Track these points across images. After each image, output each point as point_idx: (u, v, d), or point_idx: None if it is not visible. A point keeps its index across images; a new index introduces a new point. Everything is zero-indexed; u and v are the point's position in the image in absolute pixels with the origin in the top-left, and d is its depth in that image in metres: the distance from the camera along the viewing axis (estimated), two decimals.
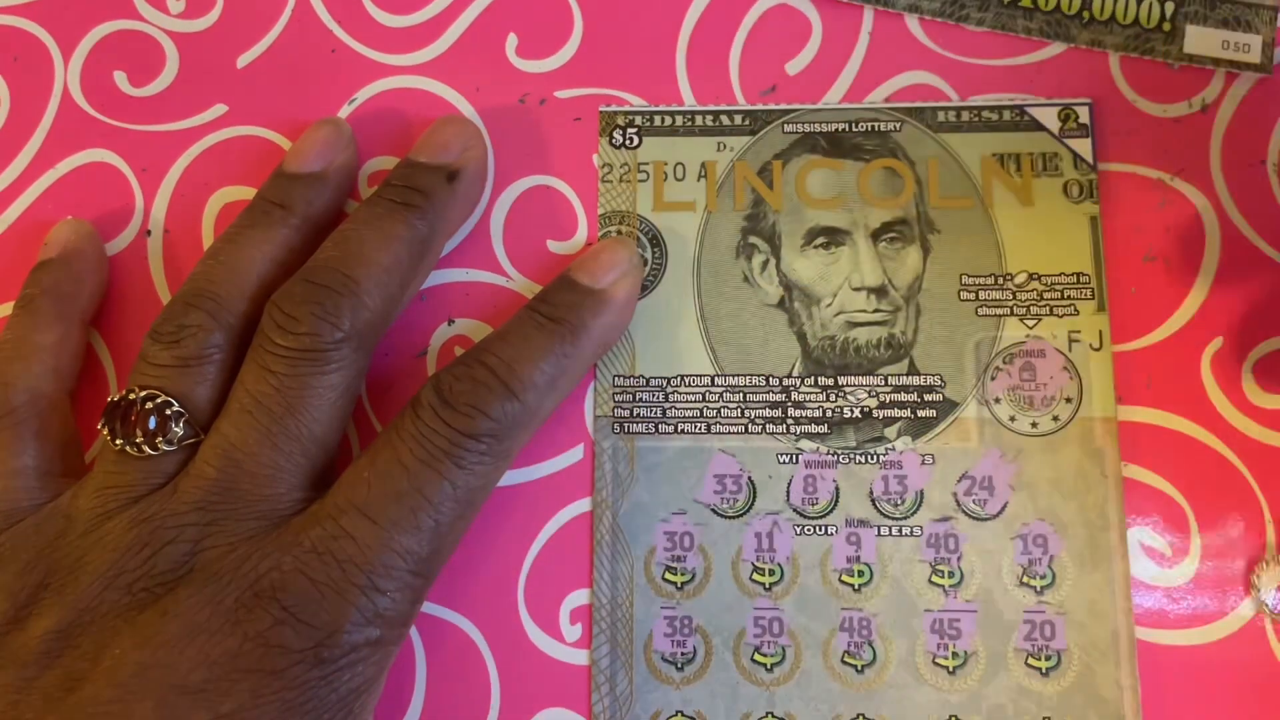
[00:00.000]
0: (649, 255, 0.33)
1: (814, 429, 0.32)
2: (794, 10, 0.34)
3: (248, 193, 0.34)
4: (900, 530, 0.31)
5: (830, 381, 0.32)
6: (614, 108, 0.34)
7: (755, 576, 0.31)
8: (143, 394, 0.28)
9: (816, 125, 0.33)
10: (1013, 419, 0.31)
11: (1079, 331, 0.32)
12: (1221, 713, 0.30)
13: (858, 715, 0.30)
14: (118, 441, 0.28)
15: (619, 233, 0.33)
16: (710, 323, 0.32)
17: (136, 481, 0.28)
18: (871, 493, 0.31)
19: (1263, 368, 0.32)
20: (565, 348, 0.29)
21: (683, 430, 0.32)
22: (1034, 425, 0.31)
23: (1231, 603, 0.30)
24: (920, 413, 0.32)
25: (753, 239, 0.33)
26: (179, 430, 0.28)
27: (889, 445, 0.31)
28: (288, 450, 0.28)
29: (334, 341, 0.28)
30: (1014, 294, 0.32)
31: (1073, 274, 0.32)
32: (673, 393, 0.32)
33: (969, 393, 0.32)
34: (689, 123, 0.34)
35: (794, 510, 0.31)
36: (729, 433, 0.32)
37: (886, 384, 0.32)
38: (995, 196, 0.33)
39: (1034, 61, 0.34)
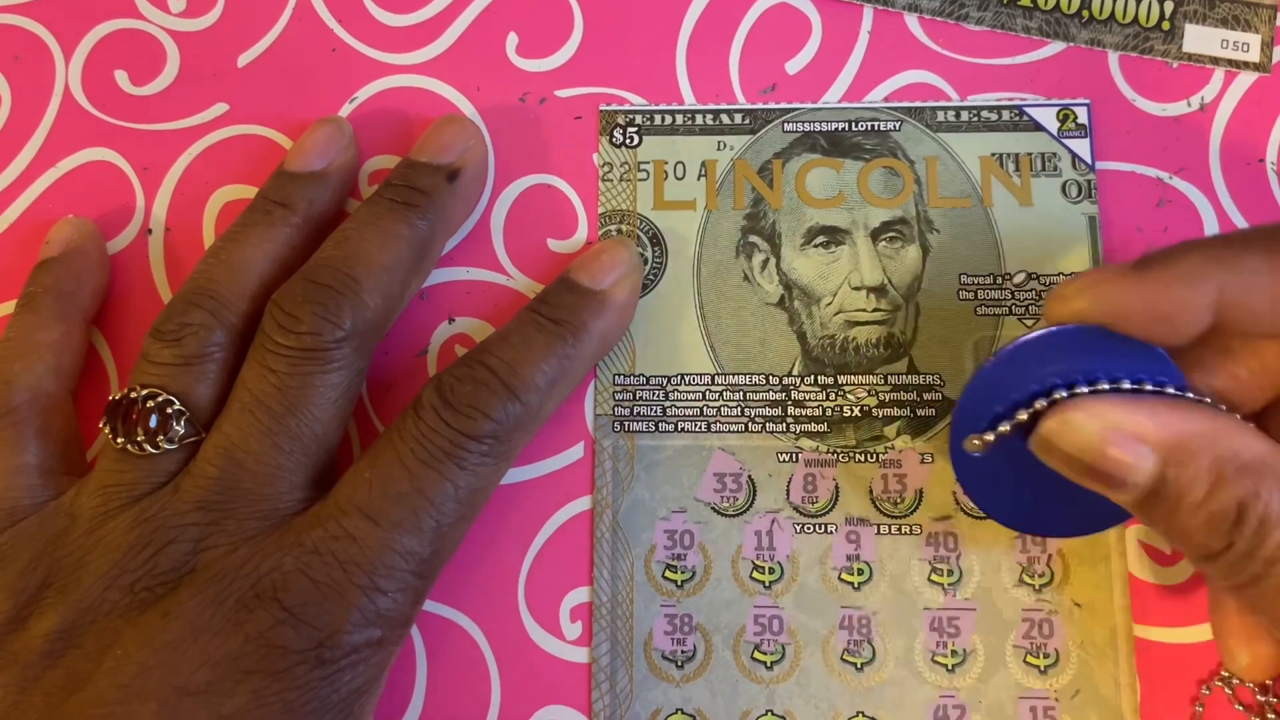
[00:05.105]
0: (649, 254, 0.33)
1: (814, 427, 0.32)
2: (794, 9, 0.34)
3: (249, 192, 0.34)
4: (899, 529, 0.31)
5: (830, 380, 0.32)
6: (614, 107, 0.34)
7: (755, 575, 0.31)
8: (144, 392, 0.28)
9: (816, 124, 0.33)
10: None
11: None
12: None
13: (857, 713, 0.30)
14: (119, 440, 0.28)
15: (619, 232, 0.33)
16: (710, 321, 0.33)
17: (138, 480, 0.28)
18: (871, 491, 0.31)
19: None
20: (566, 349, 0.29)
21: (683, 429, 0.32)
22: None
23: None
24: (919, 411, 0.32)
25: (753, 238, 0.33)
26: (180, 429, 0.28)
27: (888, 444, 0.32)
28: (289, 449, 0.28)
29: (335, 341, 0.28)
30: (1012, 293, 0.32)
31: (1071, 274, 0.32)
32: (673, 391, 0.32)
33: None
34: (689, 122, 0.34)
35: (794, 508, 0.31)
36: (729, 431, 0.32)
37: (886, 383, 0.32)
38: (994, 196, 0.33)
39: (1033, 60, 0.34)
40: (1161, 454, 0.24)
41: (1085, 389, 0.25)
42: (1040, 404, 0.25)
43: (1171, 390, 0.25)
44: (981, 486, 0.27)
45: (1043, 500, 0.25)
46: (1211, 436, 0.23)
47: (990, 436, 0.26)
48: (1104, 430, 0.24)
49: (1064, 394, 0.25)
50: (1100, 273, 0.25)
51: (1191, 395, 0.25)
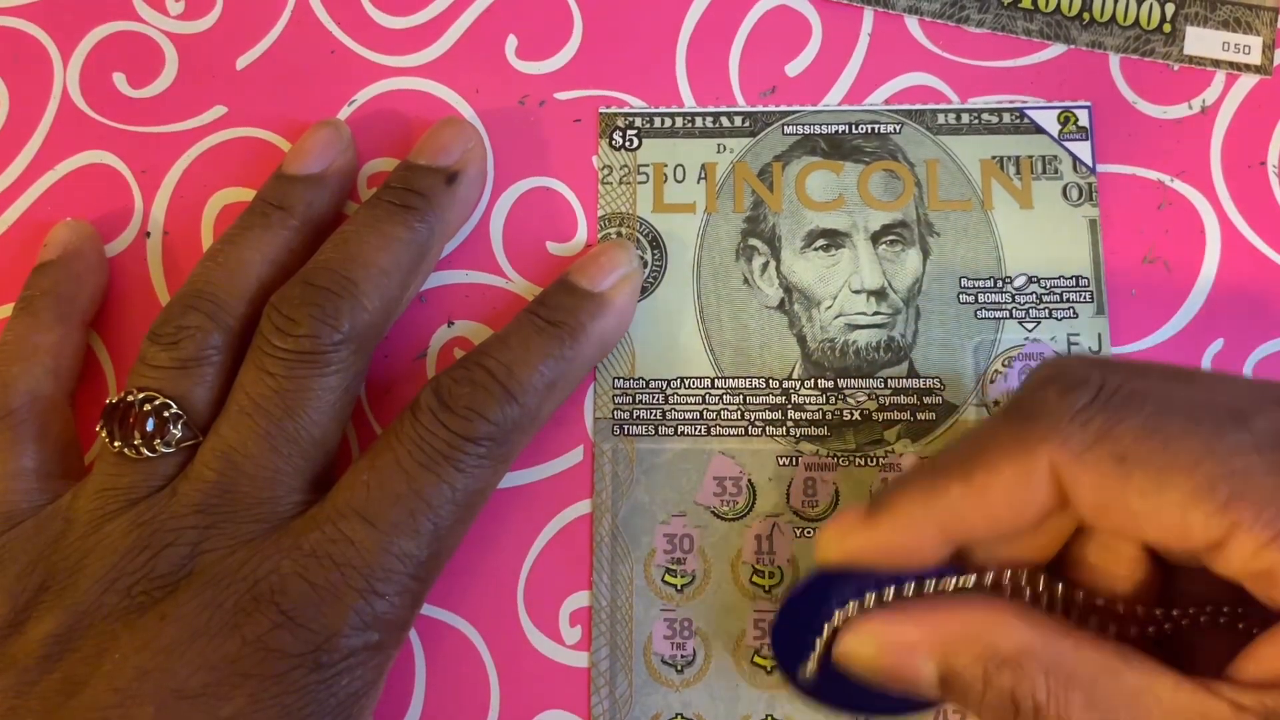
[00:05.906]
0: (649, 257, 0.33)
1: (814, 431, 0.32)
2: (794, 11, 0.34)
3: (247, 194, 0.34)
4: None
5: (830, 384, 0.32)
6: (614, 109, 0.34)
7: (755, 579, 0.31)
8: (141, 396, 0.28)
9: (816, 127, 0.33)
10: None
11: (1078, 334, 0.32)
12: None
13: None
14: (116, 443, 0.28)
15: (618, 235, 0.33)
16: (710, 325, 0.32)
17: (136, 484, 0.28)
18: (871, 495, 0.31)
19: (1264, 369, 0.32)
20: (564, 351, 0.29)
21: (682, 432, 0.32)
22: None
23: None
24: (920, 415, 0.32)
25: (753, 241, 0.33)
26: (177, 432, 0.28)
27: (888, 448, 0.31)
28: (287, 452, 0.28)
29: (333, 343, 0.28)
30: (1013, 297, 0.32)
31: (1071, 277, 0.32)
32: (672, 395, 0.32)
33: (968, 396, 0.31)
34: (689, 124, 0.34)
35: (794, 513, 0.31)
36: (729, 435, 0.32)
37: (886, 386, 0.32)
38: (994, 199, 0.33)
39: (1034, 63, 0.34)
40: (936, 658, 0.24)
41: (855, 606, 0.25)
42: (827, 629, 0.26)
43: (931, 585, 0.25)
44: (834, 696, 0.27)
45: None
46: (974, 634, 0.24)
47: (812, 665, 0.26)
48: (880, 648, 0.25)
49: (841, 616, 0.26)
50: (843, 520, 0.26)
51: (956, 583, 0.25)
